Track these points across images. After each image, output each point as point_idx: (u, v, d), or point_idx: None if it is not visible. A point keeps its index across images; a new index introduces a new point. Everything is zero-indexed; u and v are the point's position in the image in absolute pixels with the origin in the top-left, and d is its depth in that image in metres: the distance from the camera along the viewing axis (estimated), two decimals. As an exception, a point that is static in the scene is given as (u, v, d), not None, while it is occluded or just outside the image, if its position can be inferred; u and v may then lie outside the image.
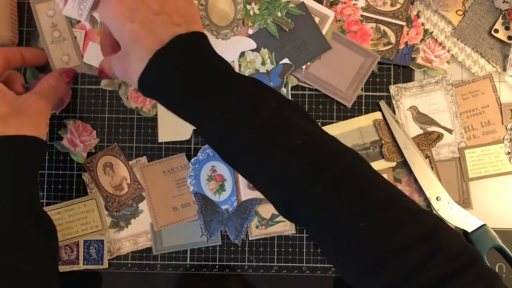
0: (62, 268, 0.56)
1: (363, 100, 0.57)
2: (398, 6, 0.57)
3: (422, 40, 0.58)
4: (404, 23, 0.57)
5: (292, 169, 0.37)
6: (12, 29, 0.55)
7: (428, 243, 0.35)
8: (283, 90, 0.57)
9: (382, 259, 0.36)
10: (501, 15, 0.57)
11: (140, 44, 0.38)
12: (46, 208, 0.56)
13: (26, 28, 0.57)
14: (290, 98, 0.57)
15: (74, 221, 0.56)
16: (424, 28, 0.57)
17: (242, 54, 0.57)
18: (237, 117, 0.38)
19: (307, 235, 0.57)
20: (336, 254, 0.39)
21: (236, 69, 0.57)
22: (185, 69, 0.38)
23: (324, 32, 0.56)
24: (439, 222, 0.38)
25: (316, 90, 0.57)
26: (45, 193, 0.57)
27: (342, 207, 0.36)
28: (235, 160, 0.40)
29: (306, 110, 0.57)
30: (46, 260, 0.47)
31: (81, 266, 0.56)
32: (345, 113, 0.57)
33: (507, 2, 0.57)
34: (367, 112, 0.57)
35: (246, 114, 0.38)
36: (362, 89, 0.57)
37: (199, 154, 0.57)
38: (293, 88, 0.57)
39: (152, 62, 0.38)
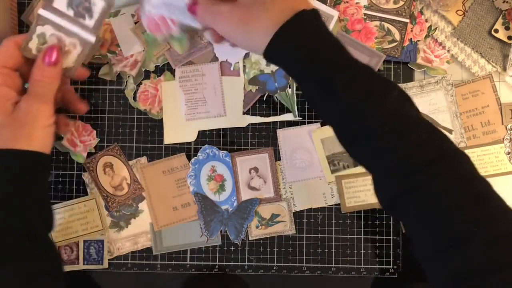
0: (62, 268, 0.56)
1: (363, 100, 0.57)
2: (401, 3, 0.57)
3: (427, 36, 0.58)
4: (407, 20, 0.57)
5: (414, 162, 0.37)
6: (11, 27, 0.55)
7: None
8: (288, 91, 0.57)
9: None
10: (501, 15, 0.57)
11: (270, 14, 0.40)
12: (46, 208, 0.56)
13: (26, 29, 0.56)
14: (295, 99, 0.57)
15: (74, 221, 0.56)
16: (428, 25, 0.58)
17: (247, 55, 0.57)
18: (365, 103, 0.38)
19: (307, 235, 0.57)
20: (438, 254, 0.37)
21: (241, 70, 0.57)
22: (310, 43, 0.39)
23: (328, 32, 0.56)
24: None
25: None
26: (44, 193, 0.57)
27: (456, 208, 0.36)
28: (353, 143, 0.40)
29: (308, 111, 0.57)
30: None
31: (81, 266, 0.56)
32: (345, 113, 0.57)
33: (507, 2, 0.57)
34: (367, 112, 0.57)
35: (374, 100, 0.38)
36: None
37: (199, 154, 0.57)
38: (298, 88, 0.57)
39: (281, 32, 0.39)
